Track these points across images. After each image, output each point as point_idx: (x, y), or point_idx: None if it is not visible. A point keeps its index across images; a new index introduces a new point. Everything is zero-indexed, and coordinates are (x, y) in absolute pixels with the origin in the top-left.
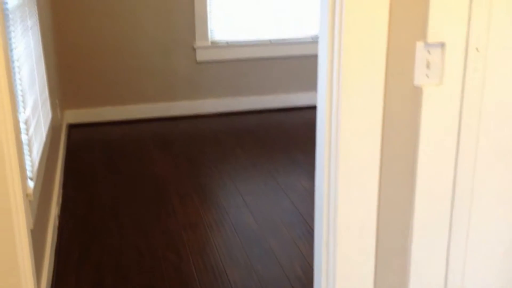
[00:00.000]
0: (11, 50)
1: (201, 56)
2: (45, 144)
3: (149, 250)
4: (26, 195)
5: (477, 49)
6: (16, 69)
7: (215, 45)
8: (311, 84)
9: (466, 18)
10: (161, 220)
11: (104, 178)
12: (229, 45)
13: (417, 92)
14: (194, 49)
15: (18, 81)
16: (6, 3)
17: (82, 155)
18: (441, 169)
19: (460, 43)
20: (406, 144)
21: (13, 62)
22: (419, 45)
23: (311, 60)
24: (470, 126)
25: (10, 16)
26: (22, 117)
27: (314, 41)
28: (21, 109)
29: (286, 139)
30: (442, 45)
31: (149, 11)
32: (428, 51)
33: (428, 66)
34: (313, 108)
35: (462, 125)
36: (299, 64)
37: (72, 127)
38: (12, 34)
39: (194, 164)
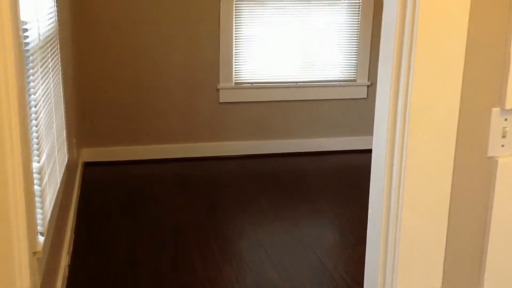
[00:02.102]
0: (29, 96)
1: (224, 97)
2: (59, 189)
3: None
4: (35, 253)
5: None
6: (33, 116)
7: (239, 86)
8: (337, 129)
9: None
10: (179, 273)
11: (120, 222)
12: (253, 87)
13: (491, 163)
14: (217, 90)
15: (34, 128)
16: (28, 43)
17: (97, 196)
18: None
19: None
20: (476, 220)
21: (30, 108)
22: (495, 111)
23: (337, 104)
24: None
25: (30, 58)
26: (36, 167)
27: (341, 85)
28: (35, 158)
29: (310, 186)
30: None
31: (172, 50)
32: (505, 119)
33: (504, 135)
34: (337, 153)
35: None
36: (325, 108)
37: (88, 165)
38: (31, 78)
39: (215, 211)
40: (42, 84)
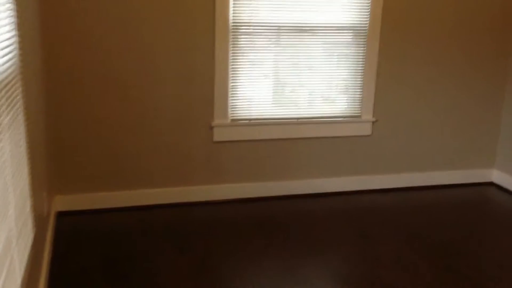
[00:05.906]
0: None
1: (219, 135)
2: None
3: None
4: None
5: None
6: None
7: (235, 123)
8: (340, 168)
9: None
10: None
11: None
12: (251, 124)
13: None
14: (211, 127)
15: None
16: None
17: (73, 257)
18: None
19: None
20: None
21: None
22: None
23: (341, 142)
24: None
25: None
26: None
27: (344, 121)
28: None
29: (317, 234)
30: None
31: (161, 83)
32: None
33: None
34: (341, 194)
35: None
36: (328, 146)
37: (62, 216)
38: None
39: (213, 272)
40: None
